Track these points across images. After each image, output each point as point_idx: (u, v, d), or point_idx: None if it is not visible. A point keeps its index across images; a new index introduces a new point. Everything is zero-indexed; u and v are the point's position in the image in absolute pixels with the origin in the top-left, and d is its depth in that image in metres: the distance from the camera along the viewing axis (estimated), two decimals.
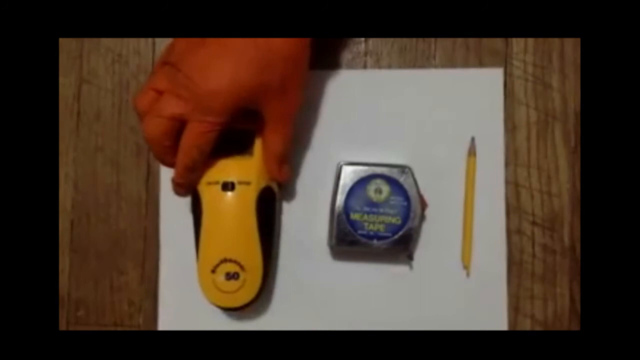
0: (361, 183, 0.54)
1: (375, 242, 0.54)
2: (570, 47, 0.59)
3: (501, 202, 0.58)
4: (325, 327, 0.57)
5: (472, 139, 0.57)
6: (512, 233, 0.58)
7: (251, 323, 0.57)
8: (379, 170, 0.54)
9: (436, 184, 0.57)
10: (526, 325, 0.57)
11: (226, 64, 0.46)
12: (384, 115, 0.58)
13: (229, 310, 0.55)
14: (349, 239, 0.54)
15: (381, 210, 0.53)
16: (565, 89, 0.59)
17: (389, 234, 0.53)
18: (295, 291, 0.57)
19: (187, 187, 0.51)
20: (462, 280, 0.57)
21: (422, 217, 0.55)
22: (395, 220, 0.53)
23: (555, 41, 0.59)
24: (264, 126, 0.50)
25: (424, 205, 0.54)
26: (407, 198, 0.53)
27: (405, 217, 0.53)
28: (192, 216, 0.53)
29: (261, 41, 0.46)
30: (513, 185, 0.58)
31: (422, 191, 0.55)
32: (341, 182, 0.54)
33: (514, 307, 0.57)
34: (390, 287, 0.57)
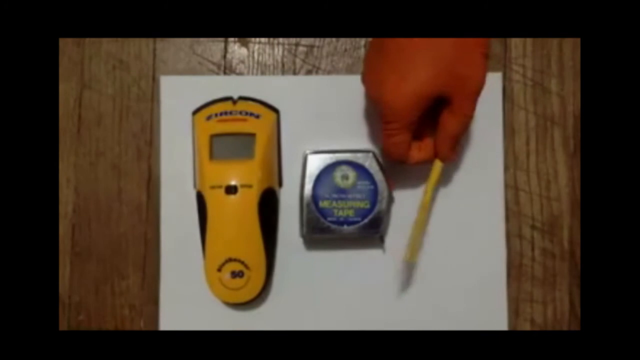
0: (327, 170, 0.56)
1: (345, 227, 0.56)
2: (569, 51, 0.60)
3: (501, 206, 0.59)
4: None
5: None
6: (512, 237, 0.59)
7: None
8: (343, 156, 0.56)
9: (437, 188, 0.58)
10: (526, 328, 0.58)
11: (407, 80, 0.49)
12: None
13: (234, 306, 0.58)
14: (319, 227, 0.56)
15: (349, 195, 0.56)
16: (564, 93, 0.60)
17: (359, 219, 0.56)
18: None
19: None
20: (462, 283, 0.58)
21: (391, 199, 0.57)
22: (364, 205, 0.56)
23: (554, 45, 0.60)
24: (443, 109, 0.51)
25: (390, 187, 0.56)
26: (373, 182, 0.56)
27: (374, 201, 0.56)
28: (197, 218, 0.56)
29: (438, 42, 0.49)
30: (513, 190, 0.59)
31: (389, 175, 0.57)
32: (307, 171, 0.56)
33: (514, 311, 0.58)
34: (386, 287, 0.59)
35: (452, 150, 0.53)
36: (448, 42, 0.49)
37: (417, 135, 0.53)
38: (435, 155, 0.54)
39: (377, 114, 0.55)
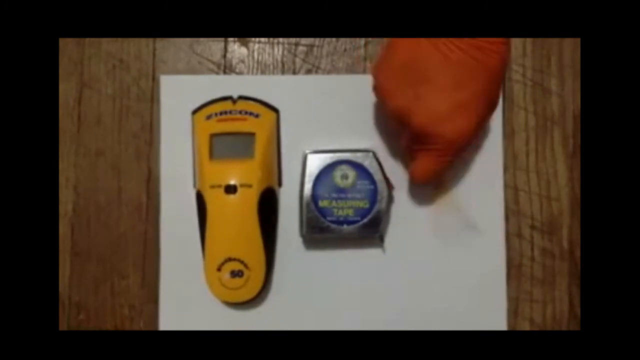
0: (327, 170, 0.56)
1: (345, 227, 0.56)
2: (569, 51, 0.60)
3: (500, 206, 0.58)
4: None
5: None
6: (512, 237, 0.59)
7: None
8: (343, 156, 0.56)
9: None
10: (525, 328, 0.58)
11: (462, 114, 0.51)
12: (384, 119, 0.58)
13: (234, 305, 0.58)
14: (319, 227, 0.56)
15: (349, 195, 0.56)
16: (564, 93, 0.60)
17: (359, 218, 0.56)
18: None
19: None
20: (462, 283, 0.58)
21: (390, 199, 0.57)
22: (364, 204, 0.56)
23: (554, 45, 0.60)
24: None
25: (390, 187, 0.57)
26: (373, 181, 0.56)
27: (373, 200, 0.56)
28: (197, 218, 0.57)
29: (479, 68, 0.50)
30: (512, 189, 0.59)
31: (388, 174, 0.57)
32: (307, 170, 0.56)
33: (513, 310, 0.59)
34: (386, 286, 0.59)
35: None
36: (498, 63, 0.50)
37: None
38: None
39: (394, 123, 0.54)
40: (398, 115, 0.52)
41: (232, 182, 0.55)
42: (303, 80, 0.60)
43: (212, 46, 0.61)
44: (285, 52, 0.61)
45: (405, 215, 0.59)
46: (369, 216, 0.56)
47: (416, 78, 0.50)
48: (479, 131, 0.53)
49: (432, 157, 0.53)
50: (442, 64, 0.50)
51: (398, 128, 0.54)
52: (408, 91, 0.51)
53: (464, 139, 0.51)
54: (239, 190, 0.54)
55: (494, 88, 0.52)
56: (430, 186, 0.59)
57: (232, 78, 0.60)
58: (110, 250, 0.59)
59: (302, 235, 0.57)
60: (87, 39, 0.60)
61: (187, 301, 0.58)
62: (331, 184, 0.56)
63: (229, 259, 0.55)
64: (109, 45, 0.60)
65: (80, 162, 0.59)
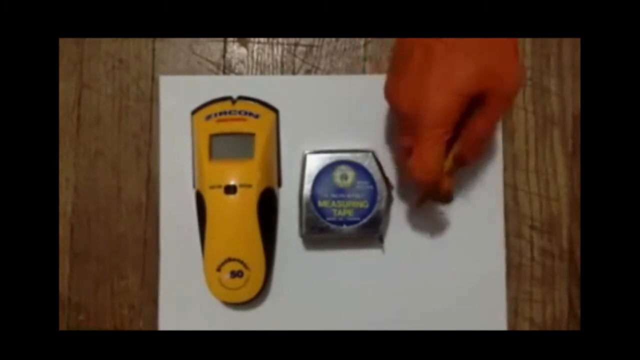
0: (327, 170, 0.57)
1: (344, 227, 0.56)
2: (568, 51, 0.60)
3: (500, 206, 0.59)
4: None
5: None
6: (511, 237, 0.59)
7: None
8: (343, 156, 0.57)
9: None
10: (525, 328, 0.59)
11: (450, 79, 0.48)
12: (383, 119, 0.58)
13: (234, 305, 0.58)
14: (318, 227, 0.56)
15: (348, 195, 0.56)
16: (564, 93, 0.60)
17: (358, 218, 0.56)
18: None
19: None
20: (462, 283, 0.58)
21: (390, 199, 0.57)
22: (363, 205, 0.56)
23: (554, 45, 0.60)
24: (478, 109, 0.49)
25: (389, 187, 0.57)
26: (372, 182, 0.56)
27: (373, 200, 0.56)
28: (197, 218, 0.57)
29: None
30: (512, 189, 0.59)
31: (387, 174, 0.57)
32: (307, 170, 0.57)
33: (513, 310, 0.59)
34: (385, 287, 0.59)
35: (478, 154, 0.52)
36: (482, 41, 0.48)
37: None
38: (459, 161, 0.52)
39: (398, 124, 0.52)
40: (395, 111, 0.51)
41: (232, 183, 0.55)
42: (302, 81, 0.60)
43: (212, 46, 0.61)
44: (285, 53, 0.61)
45: (405, 215, 0.59)
46: (369, 216, 0.56)
47: (399, 69, 0.50)
48: (462, 111, 0.49)
49: (423, 147, 0.49)
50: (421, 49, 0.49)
51: (404, 131, 0.52)
52: (397, 84, 0.50)
53: (448, 108, 0.48)
54: (239, 190, 0.55)
55: (482, 52, 0.48)
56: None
57: (231, 78, 0.60)
58: (110, 250, 0.59)
59: (302, 235, 0.57)
60: (86, 39, 0.60)
61: (187, 301, 0.58)
62: (331, 184, 0.56)
63: (229, 259, 0.55)
64: (108, 45, 0.60)
65: (79, 162, 0.60)
